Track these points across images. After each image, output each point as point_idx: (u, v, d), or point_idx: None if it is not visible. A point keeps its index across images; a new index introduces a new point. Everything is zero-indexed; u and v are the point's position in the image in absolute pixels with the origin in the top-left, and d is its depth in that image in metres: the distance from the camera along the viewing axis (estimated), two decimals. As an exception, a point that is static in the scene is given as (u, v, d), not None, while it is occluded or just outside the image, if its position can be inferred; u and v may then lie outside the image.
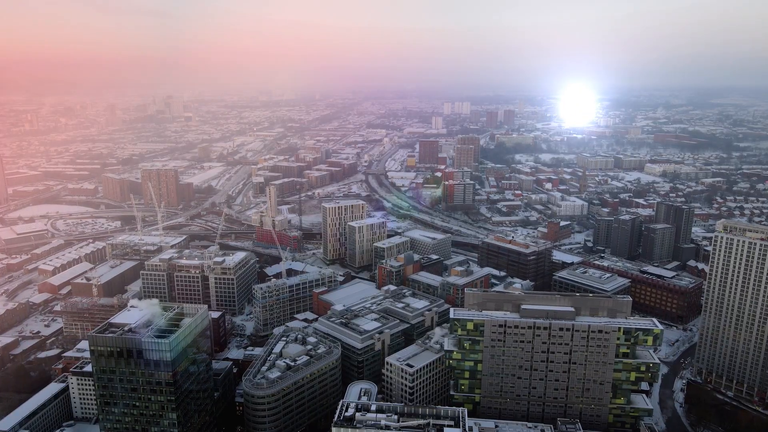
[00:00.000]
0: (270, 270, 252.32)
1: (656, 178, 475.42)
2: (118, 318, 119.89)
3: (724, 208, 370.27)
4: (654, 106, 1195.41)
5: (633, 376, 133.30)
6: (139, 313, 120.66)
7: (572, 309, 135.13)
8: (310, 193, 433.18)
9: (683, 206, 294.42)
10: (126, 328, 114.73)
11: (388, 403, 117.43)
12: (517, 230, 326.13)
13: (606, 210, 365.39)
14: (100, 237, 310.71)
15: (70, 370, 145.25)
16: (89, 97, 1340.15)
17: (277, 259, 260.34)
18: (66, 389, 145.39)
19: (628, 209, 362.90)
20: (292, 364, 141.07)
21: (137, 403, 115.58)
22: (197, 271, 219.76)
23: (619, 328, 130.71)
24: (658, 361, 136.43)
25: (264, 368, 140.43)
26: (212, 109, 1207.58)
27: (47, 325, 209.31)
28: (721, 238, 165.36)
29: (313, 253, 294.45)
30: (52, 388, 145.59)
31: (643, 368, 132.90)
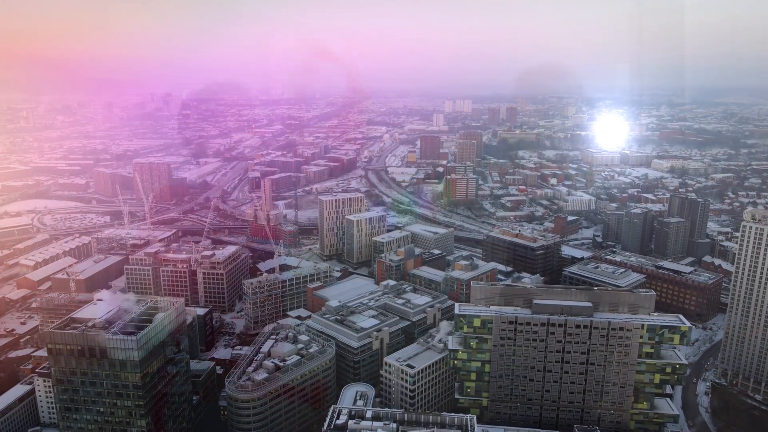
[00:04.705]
0: (263, 265, 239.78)
1: (664, 174, 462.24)
2: (82, 312, 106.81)
3: (736, 203, 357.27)
4: (657, 104, 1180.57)
5: (657, 378, 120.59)
6: (105, 307, 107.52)
7: (590, 304, 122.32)
8: (307, 188, 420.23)
9: (698, 199, 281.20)
10: (89, 324, 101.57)
11: (386, 409, 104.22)
12: (522, 225, 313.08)
13: (614, 205, 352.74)
14: (88, 232, 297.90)
15: (36, 371, 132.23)
16: (88, 96, 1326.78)
17: (271, 255, 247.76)
18: (32, 392, 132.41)
19: (637, 204, 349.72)
20: (281, 364, 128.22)
21: (102, 409, 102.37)
22: (184, 266, 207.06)
23: (643, 325, 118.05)
24: (685, 361, 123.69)
25: (250, 369, 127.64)
26: (211, 107, 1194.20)
27: (23, 323, 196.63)
28: (749, 228, 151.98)
29: (310, 249, 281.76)
30: (17, 391, 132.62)
31: (668, 369, 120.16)
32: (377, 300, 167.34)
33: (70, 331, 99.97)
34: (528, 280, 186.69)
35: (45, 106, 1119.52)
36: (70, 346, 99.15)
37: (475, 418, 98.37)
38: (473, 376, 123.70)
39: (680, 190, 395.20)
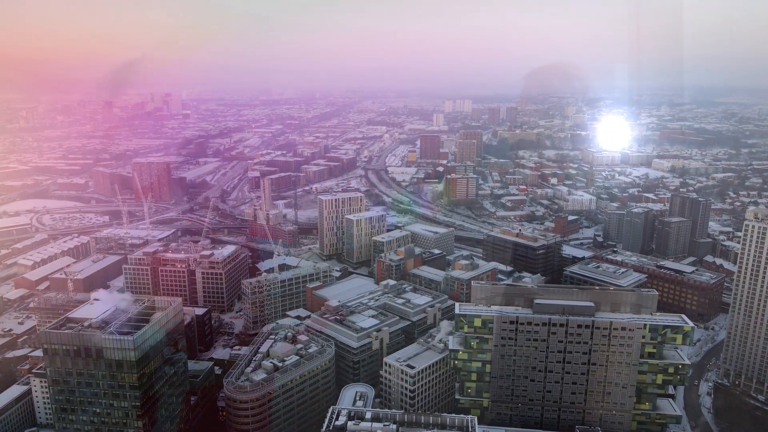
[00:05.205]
0: (262, 265, 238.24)
1: (665, 174, 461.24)
2: (78, 312, 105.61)
3: (737, 203, 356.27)
4: (657, 104, 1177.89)
5: (660, 378, 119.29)
6: (102, 306, 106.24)
7: (591, 304, 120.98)
8: (307, 188, 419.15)
9: (699, 199, 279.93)
10: (85, 324, 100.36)
11: (386, 410, 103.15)
12: (523, 225, 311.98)
13: (615, 205, 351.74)
14: (86, 231, 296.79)
15: (33, 371, 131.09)
16: (88, 96, 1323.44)
17: (271, 254, 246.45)
18: (29, 392, 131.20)
19: (638, 204, 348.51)
20: (280, 364, 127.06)
21: (98, 410, 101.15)
22: (183, 266, 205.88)
23: (645, 325, 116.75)
24: (688, 361, 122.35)
25: (248, 369, 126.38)
26: (211, 107, 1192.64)
27: (21, 323, 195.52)
28: (752, 227, 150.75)
29: (309, 248, 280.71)
30: (14, 391, 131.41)
31: (671, 370, 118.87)
32: (377, 300, 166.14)
33: (66, 331, 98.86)
34: (529, 280, 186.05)
35: (45, 106, 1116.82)
36: (66, 347, 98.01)
37: (476, 419, 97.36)
38: (474, 377, 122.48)
39: (681, 189, 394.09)
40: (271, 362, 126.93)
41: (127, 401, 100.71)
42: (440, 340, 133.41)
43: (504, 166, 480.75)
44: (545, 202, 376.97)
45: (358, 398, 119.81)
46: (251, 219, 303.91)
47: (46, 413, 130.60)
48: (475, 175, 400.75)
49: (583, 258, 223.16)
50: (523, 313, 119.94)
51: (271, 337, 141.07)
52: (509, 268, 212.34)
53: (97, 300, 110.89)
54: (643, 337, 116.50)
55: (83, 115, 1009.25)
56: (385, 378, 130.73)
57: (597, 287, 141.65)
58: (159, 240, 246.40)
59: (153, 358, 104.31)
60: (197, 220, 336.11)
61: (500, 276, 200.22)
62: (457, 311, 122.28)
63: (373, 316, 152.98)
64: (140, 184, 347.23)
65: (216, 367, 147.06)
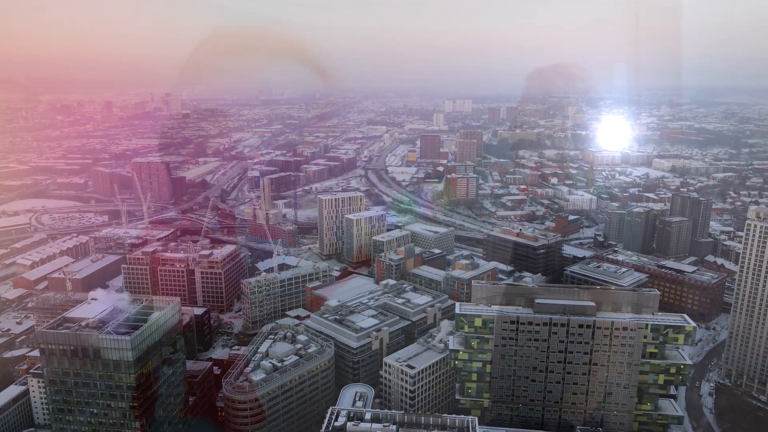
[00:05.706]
0: (262, 265, 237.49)
1: (665, 173, 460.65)
2: (75, 312, 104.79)
3: (738, 203, 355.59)
4: (657, 104, 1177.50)
5: (661, 378, 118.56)
6: (100, 306, 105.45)
7: (593, 304, 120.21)
8: (307, 188, 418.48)
9: (701, 198, 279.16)
10: (83, 324, 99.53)
11: (386, 410, 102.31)
12: (523, 224, 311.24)
13: (615, 204, 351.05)
14: (85, 231, 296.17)
15: (30, 371, 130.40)
16: (87, 96, 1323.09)
17: (270, 254, 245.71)
18: (27, 393, 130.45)
19: (639, 203, 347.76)
20: (279, 365, 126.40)
21: (95, 410, 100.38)
22: (182, 265, 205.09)
23: (646, 325, 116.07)
24: (689, 362, 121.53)
25: (248, 369, 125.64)
26: (211, 107, 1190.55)
27: (19, 323, 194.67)
28: (754, 226, 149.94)
29: (309, 248, 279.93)
30: (12, 391, 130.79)
31: (673, 370, 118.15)
32: (377, 299, 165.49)
33: (63, 331, 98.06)
34: (529, 280, 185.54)
35: (45, 106, 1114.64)
36: (62, 347, 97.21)
37: (476, 419, 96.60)
38: (474, 377, 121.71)
39: (682, 189, 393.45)
40: (270, 362, 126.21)
41: (125, 402, 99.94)
42: (440, 340, 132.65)
43: (504, 165, 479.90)
44: (545, 201, 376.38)
45: (357, 398, 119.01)
46: (251, 219, 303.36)
47: (44, 414, 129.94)
48: (475, 175, 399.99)
49: (583, 258, 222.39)
50: (523, 313, 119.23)
51: (270, 337, 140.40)
52: (510, 268, 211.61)
53: (95, 300, 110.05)
54: (645, 337, 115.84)
55: (83, 115, 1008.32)
56: (385, 378, 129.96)
57: (598, 287, 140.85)
58: (158, 240, 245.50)
59: (151, 358, 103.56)
60: (196, 220, 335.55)
61: (501, 276, 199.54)
62: (457, 311, 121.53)
63: (372, 316, 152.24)
64: (139, 183, 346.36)
65: (215, 367, 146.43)
